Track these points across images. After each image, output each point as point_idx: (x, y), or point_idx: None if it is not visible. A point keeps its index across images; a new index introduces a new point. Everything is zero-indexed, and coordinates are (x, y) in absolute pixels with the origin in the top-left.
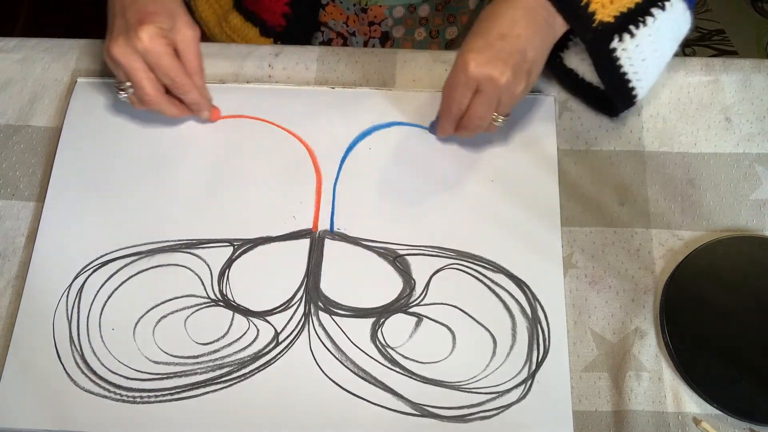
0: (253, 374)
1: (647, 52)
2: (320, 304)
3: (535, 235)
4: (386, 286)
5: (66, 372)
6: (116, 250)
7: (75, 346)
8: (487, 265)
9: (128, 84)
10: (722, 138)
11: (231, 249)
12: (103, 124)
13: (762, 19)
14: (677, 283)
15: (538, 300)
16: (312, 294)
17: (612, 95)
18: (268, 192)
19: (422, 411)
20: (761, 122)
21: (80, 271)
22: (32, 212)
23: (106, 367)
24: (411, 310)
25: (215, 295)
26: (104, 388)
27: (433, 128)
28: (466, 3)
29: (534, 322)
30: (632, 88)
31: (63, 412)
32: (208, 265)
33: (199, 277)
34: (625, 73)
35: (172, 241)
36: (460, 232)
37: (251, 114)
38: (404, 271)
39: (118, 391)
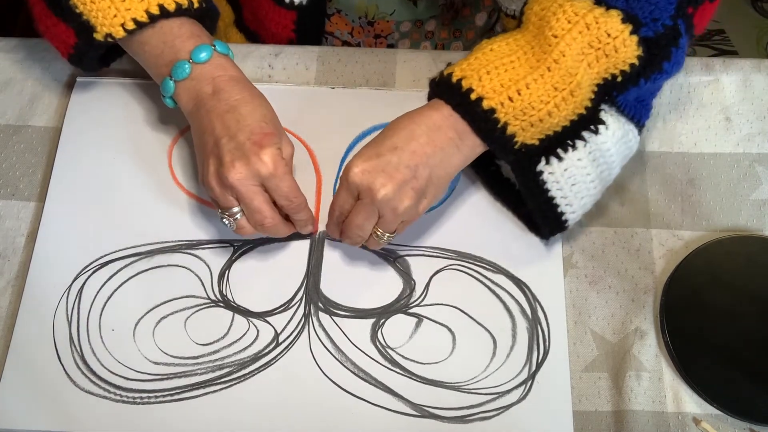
0: (253, 375)
1: (578, 177)
2: (320, 304)
3: (535, 235)
4: (386, 286)
5: (66, 372)
6: (116, 251)
7: (75, 347)
8: (487, 266)
9: (236, 209)
10: (722, 138)
11: (231, 250)
12: (103, 124)
13: (762, 19)
14: (677, 283)
15: (538, 300)
16: (312, 295)
17: (539, 220)
18: None
19: (422, 412)
20: (761, 122)
21: (80, 272)
22: (32, 212)
23: (105, 367)
24: (411, 310)
25: (215, 295)
26: (104, 389)
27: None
28: (472, 19)
29: (534, 322)
30: (561, 213)
31: (63, 412)
32: (208, 266)
33: (199, 278)
34: (552, 197)
35: (172, 241)
36: (460, 232)
37: None
38: (404, 272)
39: (118, 391)
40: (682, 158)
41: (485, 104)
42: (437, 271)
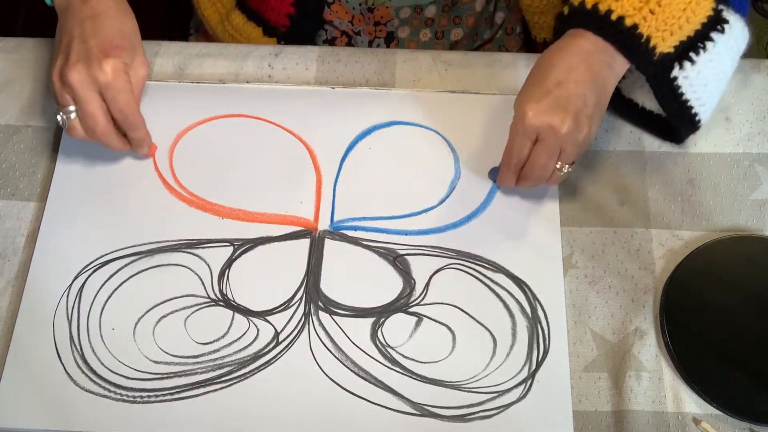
0: (253, 374)
1: (709, 77)
2: (320, 303)
3: (535, 235)
4: (386, 285)
5: (66, 372)
6: (116, 250)
7: (75, 346)
8: (487, 265)
9: (71, 108)
10: (722, 138)
11: (231, 249)
12: None
13: (762, 19)
14: (677, 283)
15: (538, 300)
16: (312, 294)
17: (675, 123)
18: (268, 192)
19: (422, 411)
20: (761, 122)
21: (80, 271)
22: (32, 212)
23: (106, 366)
24: (411, 309)
25: (215, 294)
26: (104, 388)
27: (492, 174)
28: (472, 5)
29: (534, 321)
30: (695, 114)
31: (63, 412)
32: (208, 265)
33: (199, 277)
34: (687, 100)
35: (172, 241)
36: (460, 232)
37: (251, 114)
38: (404, 271)
39: (118, 390)
40: (682, 158)
41: (628, 21)
42: (437, 270)
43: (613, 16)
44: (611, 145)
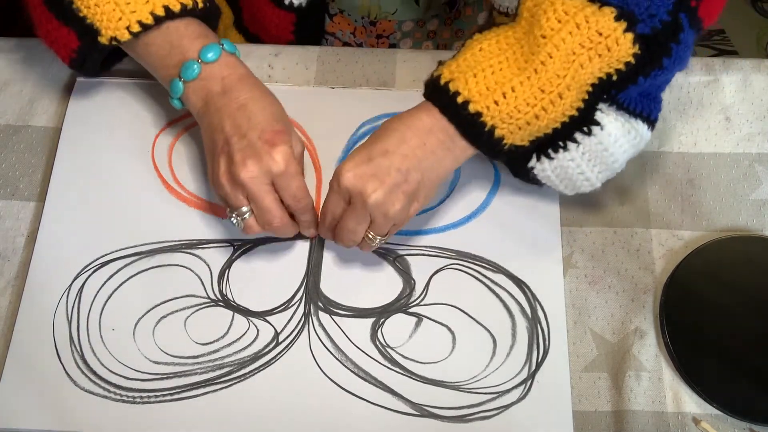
0: (253, 374)
1: (571, 174)
2: (320, 304)
3: (535, 235)
4: (386, 286)
5: (66, 372)
6: (116, 251)
7: (75, 346)
8: (487, 265)
9: (245, 209)
10: (722, 138)
11: (231, 249)
12: (103, 124)
13: (762, 19)
14: (677, 283)
15: (538, 300)
16: (312, 294)
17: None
18: None
19: (422, 411)
20: (761, 122)
21: (80, 272)
22: (32, 212)
23: (105, 367)
24: (411, 310)
25: (215, 295)
26: (104, 388)
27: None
28: (475, 18)
29: (534, 322)
30: (564, 193)
31: (63, 412)
32: (208, 266)
33: (199, 278)
34: (547, 185)
35: (172, 241)
36: (460, 232)
37: None
38: (404, 271)
39: (118, 391)
40: (682, 158)
41: (471, 108)
42: (437, 271)
43: (459, 99)
44: None
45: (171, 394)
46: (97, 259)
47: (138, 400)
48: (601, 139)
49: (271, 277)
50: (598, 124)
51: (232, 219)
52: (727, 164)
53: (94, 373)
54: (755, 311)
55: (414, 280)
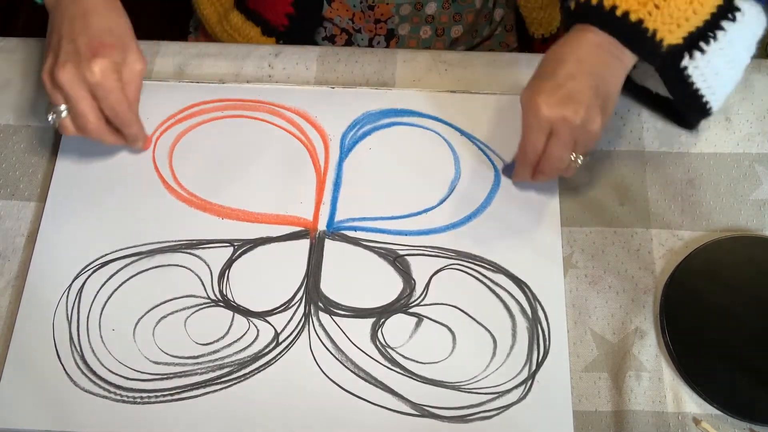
0: (253, 374)
1: (720, 66)
2: (320, 304)
3: (535, 235)
4: (386, 286)
5: (66, 372)
6: (116, 251)
7: (75, 347)
8: (487, 266)
9: (62, 107)
10: (722, 138)
11: (231, 249)
12: None
13: None
14: (677, 283)
15: (538, 300)
16: (312, 294)
17: (686, 111)
18: (268, 192)
19: (422, 411)
20: (761, 122)
21: (80, 272)
22: (32, 212)
23: (106, 367)
24: (411, 310)
25: (215, 295)
26: (104, 389)
27: (507, 171)
28: (472, 2)
29: (534, 322)
30: (706, 102)
31: (63, 412)
32: (208, 266)
33: (199, 278)
34: (698, 90)
35: (172, 241)
36: (460, 232)
37: (251, 114)
38: (404, 272)
39: (118, 391)
40: (682, 158)
41: (633, 17)
42: (437, 271)
43: (618, 12)
44: (611, 145)
45: (171, 395)
46: (97, 259)
47: (138, 400)
48: (743, 23)
49: (271, 278)
50: (739, 9)
51: (48, 116)
52: (727, 164)
53: (94, 373)
54: (755, 311)
55: (414, 280)
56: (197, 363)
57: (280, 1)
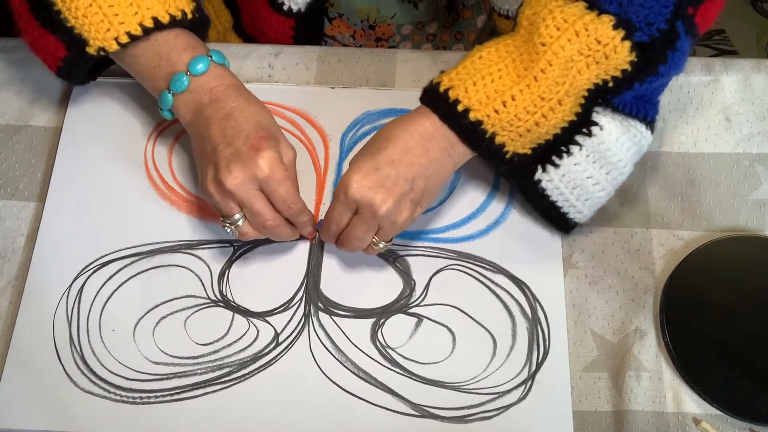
0: (253, 375)
1: (578, 181)
2: (320, 304)
3: (535, 235)
4: (386, 286)
5: (66, 372)
6: (116, 251)
7: (75, 347)
8: (487, 266)
9: (238, 216)
10: (722, 138)
11: (231, 250)
12: (103, 124)
13: (762, 19)
14: (677, 283)
15: (538, 300)
16: (312, 294)
17: (547, 221)
18: None
19: (422, 412)
20: (761, 122)
21: (80, 272)
22: (32, 212)
23: (105, 367)
24: (411, 310)
25: (215, 295)
26: (104, 389)
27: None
28: (474, 21)
29: (534, 322)
30: (565, 214)
31: (63, 412)
32: (208, 266)
33: (199, 278)
34: (554, 202)
35: (172, 241)
36: (460, 232)
37: None
38: (404, 272)
39: (117, 391)
40: (682, 158)
41: (472, 116)
42: (437, 271)
43: (460, 107)
44: None
45: (171, 395)
46: (96, 260)
47: (138, 400)
48: (603, 139)
49: (271, 278)
50: (596, 124)
51: (226, 228)
52: (727, 164)
53: (94, 373)
54: (755, 311)
55: (414, 281)
56: (197, 363)
57: (281, 33)
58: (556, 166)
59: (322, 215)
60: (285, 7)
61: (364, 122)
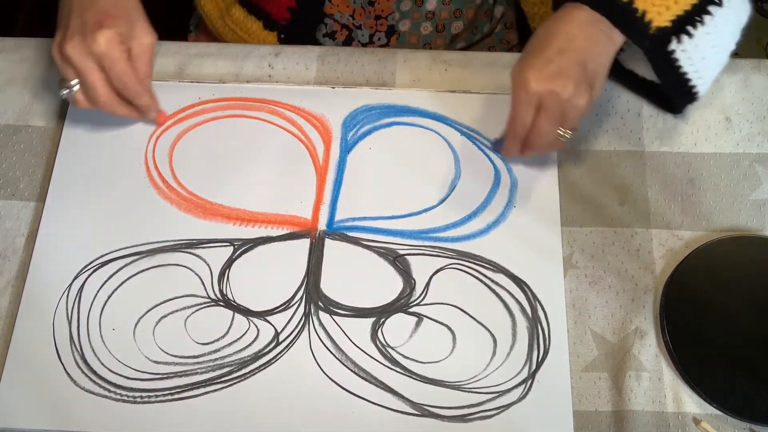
0: (254, 374)
1: (707, 50)
2: (320, 303)
3: (535, 235)
4: (386, 286)
5: (66, 372)
6: (116, 250)
7: (75, 346)
8: (487, 265)
9: (74, 82)
10: (722, 138)
11: (231, 249)
12: (103, 124)
13: (762, 19)
14: (677, 283)
15: (538, 300)
16: (312, 294)
17: (673, 95)
18: (268, 192)
19: (422, 411)
20: (761, 122)
21: (80, 271)
22: (32, 212)
23: (106, 367)
24: (411, 309)
25: (215, 294)
26: (104, 388)
27: (496, 146)
28: None
29: (534, 322)
30: (693, 86)
31: (63, 412)
32: (208, 265)
33: (200, 277)
34: (685, 73)
35: (172, 241)
36: (460, 231)
37: (251, 114)
38: (404, 271)
39: (118, 390)
40: (682, 158)
41: None
42: (437, 270)
43: None
44: (611, 145)
45: (171, 394)
46: (97, 259)
47: (138, 399)
48: (730, 9)
49: (271, 277)
50: None
51: (62, 91)
52: (727, 164)
53: (95, 372)
54: (755, 311)
55: (414, 280)
56: (197, 362)
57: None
58: (690, 36)
59: (321, 215)
60: None
61: (364, 122)
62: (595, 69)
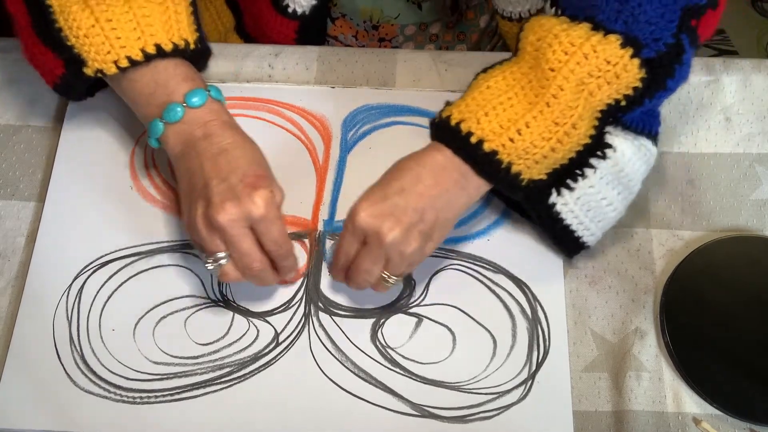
0: (254, 375)
1: (592, 203)
2: (320, 304)
3: (535, 235)
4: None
5: (66, 372)
6: (116, 251)
7: (75, 347)
8: (487, 266)
9: (222, 255)
10: (722, 138)
11: None
12: (103, 124)
13: (762, 19)
14: (677, 283)
15: (538, 300)
16: (312, 294)
17: (558, 244)
18: None
19: (422, 411)
20: (761, 122)
21: (80, 272)
22: (32, 212)
23: (106, 367)
24: (411, 310)
25: (215, 295)
26: (104, 389)
27: (329, 267)
28: (476, 22)
29: (534, 322)
30: (579, 237)
31: (63, 412)
32: None
33: (200, 278)
34: (568, 225)
35: (172, 241)
36: (460, 232)
37: (251, 114)
38: None
39: (118, 391)
40: (682, 158)
41: (486, 147)
42: (437, 271)
43: (473, 139)
44: None
45: (171, 395)
46: (96, 260)
47: (138, 400)
48: (616, 160)
49: None
50: (610, 146)
51: (208, 265)
52: (727, 164)
53: (94, 373)
54: (755, 311)
55: (414, 281)
56: (197, 363)
57: (284, 36)
58: (571, 189)
59: (321, 215)
60: (290, 10)
61: (364, 122)
62: (434, 219)
